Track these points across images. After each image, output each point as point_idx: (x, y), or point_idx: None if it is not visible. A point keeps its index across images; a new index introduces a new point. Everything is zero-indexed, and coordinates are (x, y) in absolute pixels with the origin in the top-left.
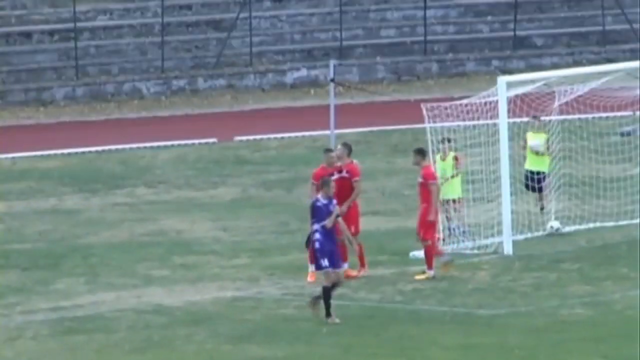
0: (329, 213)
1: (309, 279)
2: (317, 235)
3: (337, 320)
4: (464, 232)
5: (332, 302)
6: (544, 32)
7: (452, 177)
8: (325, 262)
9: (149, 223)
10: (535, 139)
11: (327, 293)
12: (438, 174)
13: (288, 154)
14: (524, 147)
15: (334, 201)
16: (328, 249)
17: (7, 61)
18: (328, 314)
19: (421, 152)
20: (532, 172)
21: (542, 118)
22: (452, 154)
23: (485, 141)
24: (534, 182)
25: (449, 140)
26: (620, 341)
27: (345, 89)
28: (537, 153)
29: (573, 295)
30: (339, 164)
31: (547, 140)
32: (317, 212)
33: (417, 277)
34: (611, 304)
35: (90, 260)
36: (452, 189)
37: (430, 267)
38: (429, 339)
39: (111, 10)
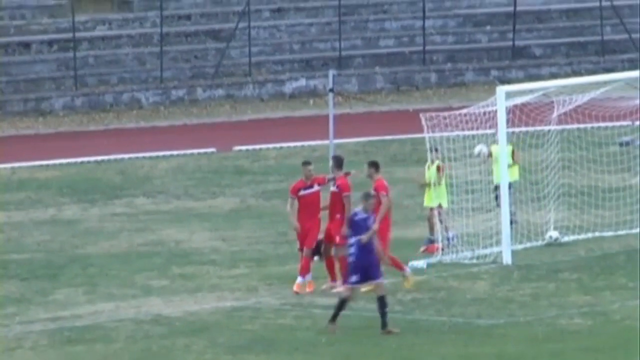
0: (367, 228)
1: (295, 288)
2: (353, 250)
3: (336, 331)
4: (449, 238)
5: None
6: (542, 42)
7: (435, 185)
8: (354, 278)
9: (148, 233)
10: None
11: (342, 304)
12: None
13: (287, 163)
14: (490, 157)
15: (373, 216)
16: (362, 265)
17: (6, 71)
18: (333, 320)
19: (374, 165)
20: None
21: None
22: (436, 162)
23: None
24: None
25: (436, 150)
26: (619, 351)
27: (344, 99)
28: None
29: (572, 305)
30: (330, 176)
31: (513, 151)
32: (355, 226)
33: (406, 285)
34: (610, 314)
35: (89, 271)
36: (433, 197)
37: (402, 269)
38: (427, 348)
39: (110, 21)
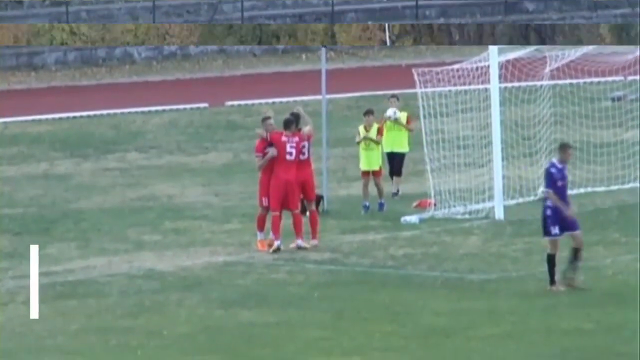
0: (563, 178)
1: (260, 247)
2: (549, 202)
3: (562, 288)
4: (381, 204)
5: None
6: None
7: (375, 143)
8: (555, 230)
9: (140, 188)
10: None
11: (552, 261)
12: (362, 145)
13: (279, 119)
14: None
15: (567, 167)
16: (560, 216)
17: None
18: (552, 282)
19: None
20: (388, 154)
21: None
22: (375, 125)
23: (476, 106)
24: (391, 166)
25: (372, 113)
26: (611, 306)
27: (336, 54)
28: (395, 120)
29: (564, 261)
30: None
31: (407, 117)
32: (548, 178)
33: (260, 247)
34: (602, 269)
35: (81, 225)
36: (375, 160)
37: (276, 236)
38: (420, 304)
39: None
